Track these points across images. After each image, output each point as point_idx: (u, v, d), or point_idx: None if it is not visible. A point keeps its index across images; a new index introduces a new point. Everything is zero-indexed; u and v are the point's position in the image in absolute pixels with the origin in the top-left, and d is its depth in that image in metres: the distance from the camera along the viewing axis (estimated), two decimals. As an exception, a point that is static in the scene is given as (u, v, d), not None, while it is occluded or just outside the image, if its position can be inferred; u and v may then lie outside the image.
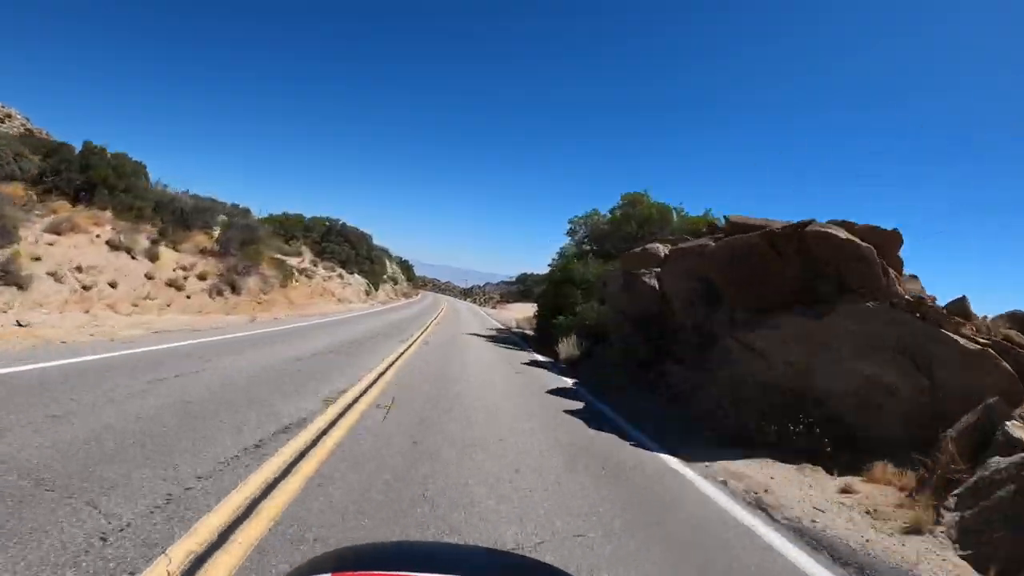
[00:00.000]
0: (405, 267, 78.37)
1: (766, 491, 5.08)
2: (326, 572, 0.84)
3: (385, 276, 56.51)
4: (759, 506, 4.80)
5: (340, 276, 36.83)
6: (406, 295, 60.88)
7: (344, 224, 41.47)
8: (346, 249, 39.35)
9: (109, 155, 18.78)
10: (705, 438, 7.06)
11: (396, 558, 0.99)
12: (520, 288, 70.92)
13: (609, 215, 19.52)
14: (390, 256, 69.24)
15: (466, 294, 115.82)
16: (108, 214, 16.89)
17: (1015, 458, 4.19)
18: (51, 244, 13.29)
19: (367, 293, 38.20)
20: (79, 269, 13.18)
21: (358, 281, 38.78)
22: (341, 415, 5.93)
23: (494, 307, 63.30)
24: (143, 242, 16.74)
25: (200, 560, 2.66)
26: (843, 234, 7.22)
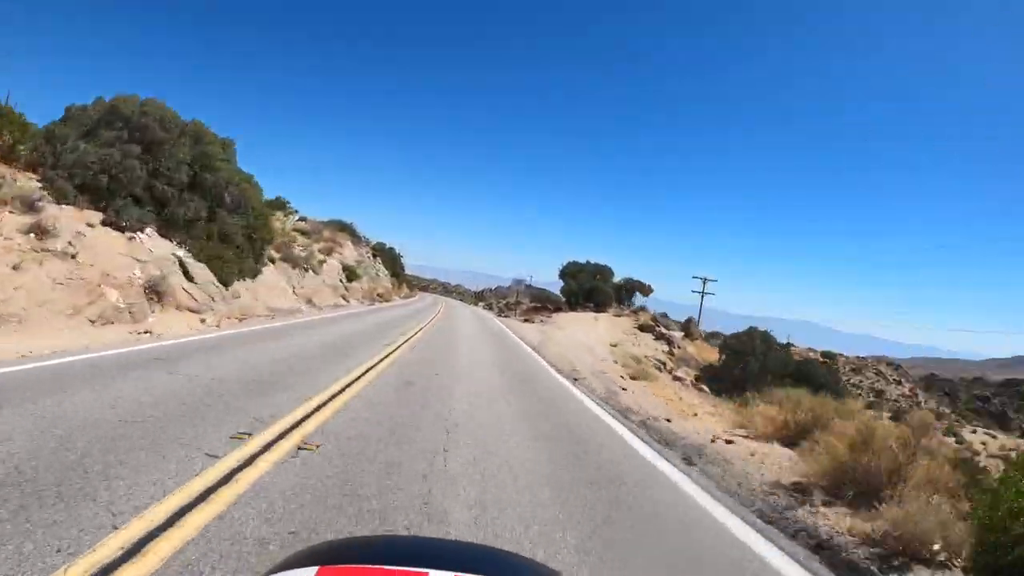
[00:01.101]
0: (388, 257, 51.98)
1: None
2: (312, 566, 0.82)
3: (346, 266, 30.73)
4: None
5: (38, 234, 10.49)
6: (380, 296, 35.45)
7: (148, 104, 15.19)
8: (118, 157, 13.05)
9: None
10: None
11: (382, 552, 0.97)
12: (569, 289, 43.42)
13: None
14: (356, 236, 42.68)
15: (479, 298, 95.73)
16: None
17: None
18: None
19: (214, 305, 11.65)
20: None
21: (156, 263, 12.36)
22: None
23: (525, 319, 34.89)
24: None
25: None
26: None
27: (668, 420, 8.06)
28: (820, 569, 3.77)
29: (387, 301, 36.67)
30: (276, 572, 0.84)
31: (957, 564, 3.94)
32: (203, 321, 12.27)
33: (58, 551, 2.60)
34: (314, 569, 0.80)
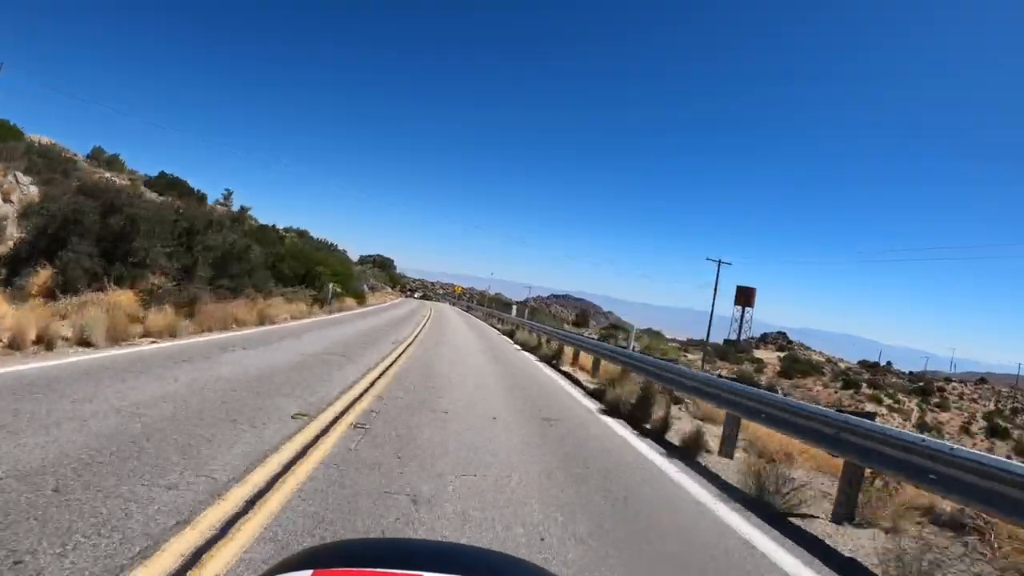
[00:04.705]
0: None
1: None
2: (306, 569, 0.84)
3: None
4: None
5: None
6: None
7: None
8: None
9: None
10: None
11: (375, 555, 0.98)
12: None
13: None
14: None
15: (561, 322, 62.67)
16: None
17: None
18: None
19: None
20: None
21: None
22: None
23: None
24: None
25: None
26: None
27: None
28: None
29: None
30: (271, 575, 0.87)
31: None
32: None
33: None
34: (308, 572, 0.83)
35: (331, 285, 22.86)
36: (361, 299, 32.04)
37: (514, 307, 43.28)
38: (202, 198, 27.85)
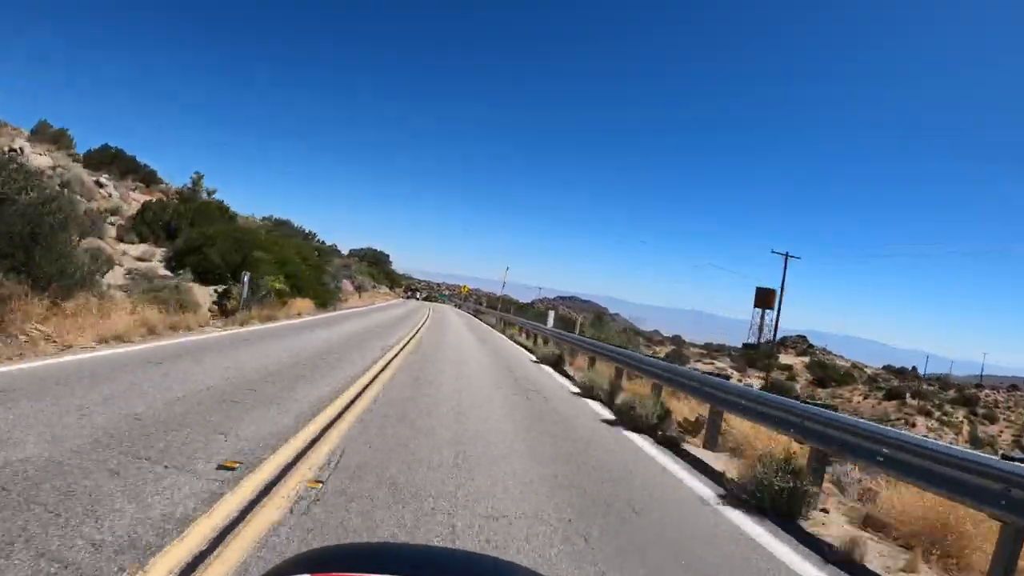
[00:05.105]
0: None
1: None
2: (301, 573, 0.83)
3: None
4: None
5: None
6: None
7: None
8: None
9: None
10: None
11: (371, 560, 0.97)
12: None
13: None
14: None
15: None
16: None
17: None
18: None
19: None
20: None
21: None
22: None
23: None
24: None
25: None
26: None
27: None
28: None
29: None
30: None
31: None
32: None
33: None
34: None
35: (246, 277, 15.27)
36: (327, 300, 24.34)
37: (550, 314, 29.05)
38: (151, 175, 23.95)
